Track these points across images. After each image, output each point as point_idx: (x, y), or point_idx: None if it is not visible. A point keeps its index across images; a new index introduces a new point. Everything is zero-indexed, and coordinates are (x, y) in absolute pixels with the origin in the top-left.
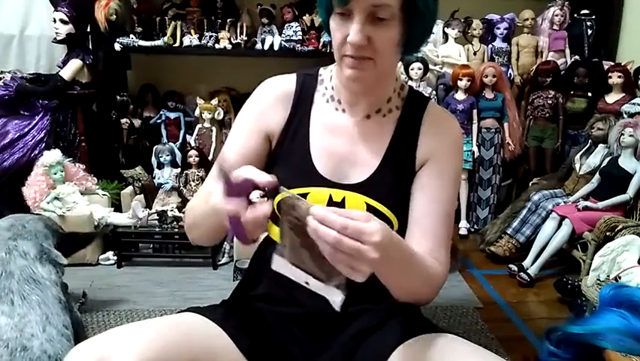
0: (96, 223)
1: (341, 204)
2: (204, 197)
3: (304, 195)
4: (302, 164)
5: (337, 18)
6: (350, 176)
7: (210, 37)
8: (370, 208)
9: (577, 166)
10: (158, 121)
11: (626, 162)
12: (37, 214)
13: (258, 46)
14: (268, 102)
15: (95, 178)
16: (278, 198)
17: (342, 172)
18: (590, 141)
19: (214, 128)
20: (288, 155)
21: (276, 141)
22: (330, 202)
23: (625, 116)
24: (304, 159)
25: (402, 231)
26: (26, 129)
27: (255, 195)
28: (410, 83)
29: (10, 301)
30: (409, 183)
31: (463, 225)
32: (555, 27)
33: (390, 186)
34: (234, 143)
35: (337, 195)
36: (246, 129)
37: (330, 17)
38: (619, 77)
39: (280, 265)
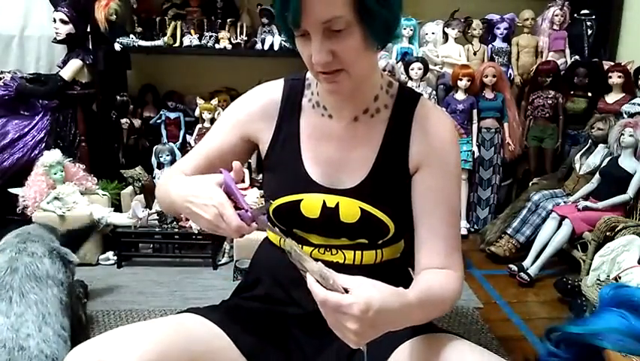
0: (96, 223)
1: (335, 210)
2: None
3: (298, 202)
4: (294, 171)
5: (299, 40)
6: (343, 181)
7: (210, 37)
8: (365, 213)
9: (577, 166)
10: (158, 121)
11: (626, 162)
12: (36, 223)
13: (258, 46)
14: (254, 110)
15: (95, 178)
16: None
17: (335, 177)
18: (590, 141)
19: None
20: (280, 163)
21: (266, 150)
22: (324, 208)
23: (625, 116)
24: (296, 165)
25: (398, 234)
26: (26, 129)
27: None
28: (410, 83)
29: (9, 299)
30: (404, 184)
31: (463, 225)
32: (555, 27)
33: (384, 190)
34: (214, 136)
35: (331, 200)
36: (228, 127)
37: (294, 40)
38: (619, 77)
39: None
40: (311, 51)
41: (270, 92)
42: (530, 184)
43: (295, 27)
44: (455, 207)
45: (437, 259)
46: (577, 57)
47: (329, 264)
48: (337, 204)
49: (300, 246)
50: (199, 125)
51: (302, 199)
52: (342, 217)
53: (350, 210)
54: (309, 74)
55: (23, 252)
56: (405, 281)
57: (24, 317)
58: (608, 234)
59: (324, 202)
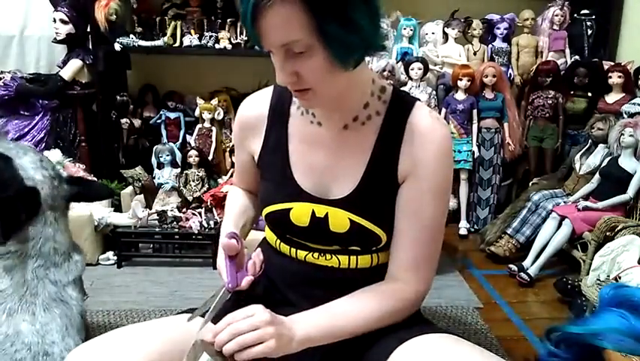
0: (96, 223)
1: (324, 220)
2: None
3: (287, 210)
4: (284, 179)
5: (271, 55)
6: (333, 190)
7: (210, 37)
8: (354, 224)
9: (577, 166)
10: (158, 121)
11: (626, 162)
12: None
13: None
14: (243, 127)
15: (95, 178)
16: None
17: (325, 186)
18: (590, 141)
19: (214, 128)
20: (270, 170)
21: (258, 157)
22: (313, 217)
23: (625, 116)
24: (285, 173)
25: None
26: (26, 129)
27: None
28: (410, 83)
29: (33, 313)
30: (393, 195)
31: (463, 225)
32: (555, 27)
33: (375, 201)
34: (237, 157)
35: (320, 210)
36: (238, 149)
37: None
38: (619, 77)
39: None
40: None
41: (256, 102)
42: (530, 184)
43: (258, 46)
44: (434, 224)
45: (396, 271)
46: (577, 57)
47: (325, 268)
48: (326, 215)
49: (295, 250)
50: (199, 125)
51: (291, 208)
52: (332, 227)
53: (339, 220)
54: None
55: (45, 279)
56: None
57: (49, 326)
58: (608, 234)
59: (313, 212)
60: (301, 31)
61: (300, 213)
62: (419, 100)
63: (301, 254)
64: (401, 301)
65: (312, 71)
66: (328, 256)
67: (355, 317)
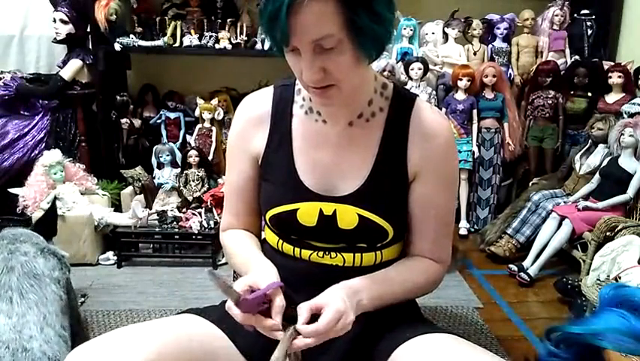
0: (96, 223)
1: (332, 217)
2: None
3: (294, 211)
4: (289, 180)
5: (290, 54)
6: (339, 187)
7: (210, 37)
8: (363, 219)
9: (577, 166)
10: (158, 121)
11: (626, 162)
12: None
13: (258, 46)
14: (246, 126)
15: (95, 178)
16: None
17: (331, 184)
18: (590, 141)
19: (214, 128)
20: (274, 171)
21: (261, 159)
22: (321, 216)
23: (625, 116)
24: (290, 174)
25: (397, 237)
26: (26, 129)
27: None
28: (410, 83)
29: (9, 299)
30: (402, 190)
31: (463, 225)
32: (555, 27)
33: (383, 195)
34: (231, 174)
35: (327, 208)
36: (236, 157)
37: (285, 53)
38: (619, 77)
39: None
40: (302, 67)
41: (258, 103)
42: (530, 184)
43: (284, 45)
44: (450, 208)
45: (419, 253)
46: (577, 57)
47: (329, 267)
48: (334, 212)
49: (299, 250)
50: (199, 125)
51: (298, 208)
52: (340, 224)
53: (348, 216)
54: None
55: (16, 252)
56: None
57: (26, 318)
58: (608, 234)
59: (321, 210)
60: (334, 26)
61: (308, 212)
62: (418, 95)
63: (305, 254)
64: (430, 275)
65: (340, 66)
66: (333, 255)
67: (399, 284)
